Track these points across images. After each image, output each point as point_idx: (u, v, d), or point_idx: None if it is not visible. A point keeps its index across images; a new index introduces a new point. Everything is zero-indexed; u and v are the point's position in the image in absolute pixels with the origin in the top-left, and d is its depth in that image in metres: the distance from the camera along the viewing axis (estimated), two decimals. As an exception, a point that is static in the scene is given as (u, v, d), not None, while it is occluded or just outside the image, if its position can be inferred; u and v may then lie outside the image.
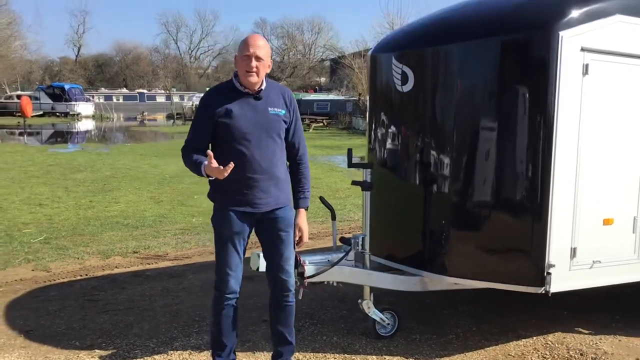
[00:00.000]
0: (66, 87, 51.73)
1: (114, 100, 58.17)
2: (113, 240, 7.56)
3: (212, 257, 6.78)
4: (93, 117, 50.12)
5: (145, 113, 52.18)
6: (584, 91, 3.95)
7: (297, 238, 3.59)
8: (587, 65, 3.93)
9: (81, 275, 6.09)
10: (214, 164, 3.17)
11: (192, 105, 48.76)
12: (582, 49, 3.91)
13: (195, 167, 3.32)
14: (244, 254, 3.55)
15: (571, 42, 3.85)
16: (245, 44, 3.35)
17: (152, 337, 4.42)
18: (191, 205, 10.17)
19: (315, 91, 48.67)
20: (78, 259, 6.69)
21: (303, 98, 38.43)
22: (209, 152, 3.21)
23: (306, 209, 3.63)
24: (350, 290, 4.77)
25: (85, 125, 42.86)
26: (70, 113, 48.67)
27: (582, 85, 3.94)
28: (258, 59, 3.30)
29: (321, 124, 33.81)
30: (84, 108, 50.42)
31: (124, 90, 66.46)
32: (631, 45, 4.12)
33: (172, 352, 4.16)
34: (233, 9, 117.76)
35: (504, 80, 4.07)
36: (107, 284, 5.80)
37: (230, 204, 3.41)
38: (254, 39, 3.39)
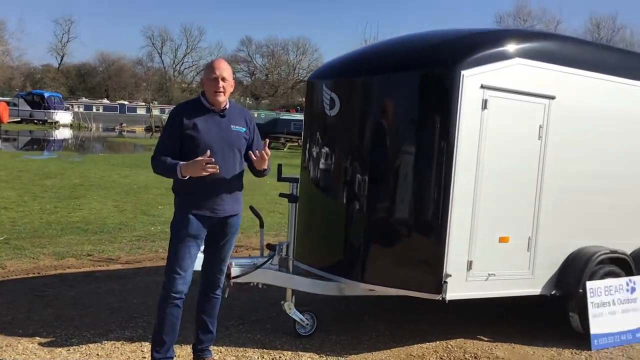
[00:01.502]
0: (46, 94, 51.87)
1: (94, 110, 58.27)
2: (70, 244, 7.93)
3: (163, 262, 7.21)
4: (71, 126, 50.19)
5: (124, 124, 52.40)
6: (482, 123, 4.49)
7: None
8: (486, 101, 4.48)
9: (34, 274, 6.45)
10: (206, 158, 3.52)
11: (172, 119, 49.03)
12: (482, 86, 4.46)
13: (170, 168, 3.66)
14: (195, 260, 3.91)
15: (472, 80, 4.40)
16: (211, 67, 3.85)
17: (90, 329, 4.81)
18: (153, 215, 10.55)
19: (297, 111, 49.21)
20: (33, 258, 7.05)
21: (281, 117, 38.94)
22: (208, 151, 3.58)
23: (264, 170, 3.92)
24: (284, 296, 5.20)
25: (63, 133, 42.95)
26: (49, 121, 48.73)
27: (481, 118, 4.48)
28: (224, 79, 3.78)
29: (296, 144, 34.29)
30: (63, 116, 50.55)
31: (105, 100, 66.59)
32: (529, 85, 4.69)
33: (106, 342, 4.56)
34: (219, 26, 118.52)
35: (413, 110, 4.61)
36: (57, 282, 6.17)
37: (191, 207, 3.80)
38: (219, 62, 3.90)
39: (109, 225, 9.40)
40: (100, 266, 6.94)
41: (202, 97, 3.88)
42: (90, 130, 49.44)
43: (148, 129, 49.80)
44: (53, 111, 49.73)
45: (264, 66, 79.89)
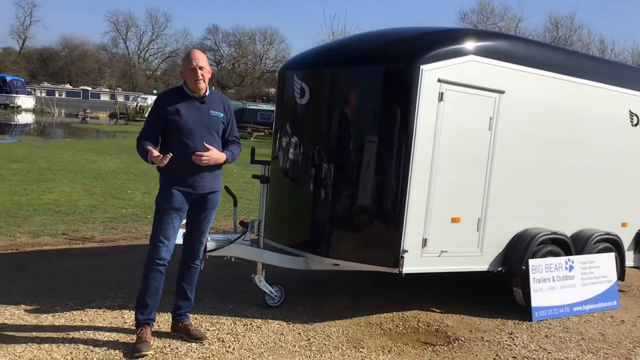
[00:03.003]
0: (8, 78, 50.67)
1: (57, 95, 57.39)
2: (44, 223, 8.17)
3: (136, 242, 7.58)
4: (33, 110, 49.30)
5: (88, 110, 51.76)
6: (439, 114, 4.96)
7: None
8: (442, 94, 4.94)
9: (12, 250, 6.71)
10: (155, 153, 4.02)
11: (137, 105, 48.71)
12: (439, 80, 4.92)
13: (144, 154, 4.12)
14: (177, 230, 4.31)
15: (430, 74, 4.86)
16: (188, 59, 4.25)
17: (72, 298, 5.13)
18: (123, 199, 10.78)
19: (263, 101, 49.40)
20: (10, 236, 7.29)
21: (248, 107, 39.11)
22: (151, 147, 4.03)
23: (225, 160, 4.27)
24: (254, 270, 5.56)
25: (25, 118, 42.27)
26: (10, 105, 47.75)
27: (437, 109, 4.94)
28: (201, 68, 4.19)
29: (263, 133, 34.54)
30: (25, 101, 49.55)
31: (68, 86, 65.54)
32: (481, 80, 5.17)
33: (88, 309, 4.89)
34: (186, 13, 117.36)
35: (375, 101, 5.04)
36: (35, 258, 6.45)
37: (174, 184, 4.21)
38: (194, 53, 4.30)
39: (80, 207, 9.63)
40: (75, 244, 7.23)
41: (184, 85, 4.29)
42: (53, 115, 48.67)
43: (112, 116, 49.25)
44: (15, 95, 48.68)
45: (231, 55, 79.47)
